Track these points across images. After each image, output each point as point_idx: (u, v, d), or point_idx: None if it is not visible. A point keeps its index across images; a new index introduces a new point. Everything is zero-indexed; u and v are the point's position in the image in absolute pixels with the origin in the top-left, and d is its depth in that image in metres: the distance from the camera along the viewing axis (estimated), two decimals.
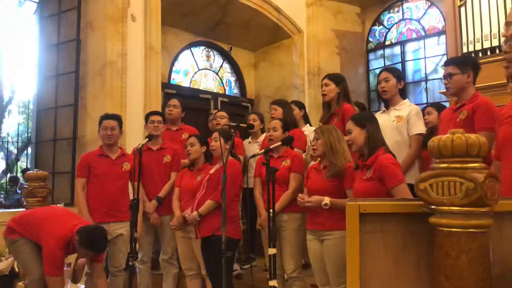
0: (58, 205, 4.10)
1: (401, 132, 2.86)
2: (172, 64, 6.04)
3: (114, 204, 3.19)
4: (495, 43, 4.53)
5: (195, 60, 6.42)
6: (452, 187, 1.19)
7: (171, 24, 5.69)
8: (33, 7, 5.05)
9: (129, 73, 4.47)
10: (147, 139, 3.22)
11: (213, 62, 6.69)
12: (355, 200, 1.71)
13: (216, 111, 4.45)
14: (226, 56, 6.81)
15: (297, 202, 2.61)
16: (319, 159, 2.73)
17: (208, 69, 6.61)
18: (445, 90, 3.29)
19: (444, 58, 5.92)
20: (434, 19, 6.40)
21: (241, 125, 2.78)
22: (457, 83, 2.56)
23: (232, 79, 6.95)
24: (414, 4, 6.65)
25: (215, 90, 6.63)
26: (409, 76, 6.68)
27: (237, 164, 2.97)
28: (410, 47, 6.69)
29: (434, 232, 1.26)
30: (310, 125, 3.95)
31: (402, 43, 6.72)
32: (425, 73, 6.47)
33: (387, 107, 3.03)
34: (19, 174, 7.80)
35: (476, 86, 2.68)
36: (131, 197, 3.12)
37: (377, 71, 6.68)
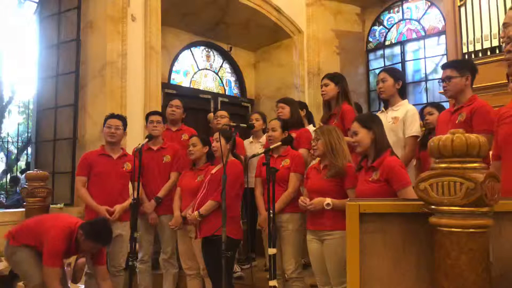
0: (58, 205, 4.11)
1: (396, 134, 2.86)
2: (172, 64, 6.04)
3: (114, 204, 3.19)
4: (495, 43, 4.53)
5: (195, 60, 6.42)
6: (452, 187, 1.19)
7: (171, 24, 5.69)
8: (33, 7, 5.05)
9: (129, 73, 4.47)
10: (147, 139, 3.23)
11: (213, 62, 6.69)
12: (355, 200, 1.71)
13: (215, 114, 4.41)
14: (226, 56, 6.81)
15: (299, 205, 2.61)
16: (318, 159, 2.73)
17: (208, 69, 6.61)
18: None
19: (444, 58, 5.93)
20: (434, 19, 6.40)
21: (241, 125, 2.78)
22: (456, 85, 2.58)
23: (232, 79, 6.95)
24: (414, 4, 6.65)
25: (215, 90, 6.63)
26: (409, 76, 6.68)
27: (238, 164, 2.97)
28: (410, 47, 6.69)
29: (434, 232, 1.26)
30: (314, 126, 3.95)
31: (402, 43, 6.72)
32: (425, 73, 6.47)
33: (386, 107, 3.04)
34: (19, 174, 7.80)
35: (476, 86, 2.70)
36: (131, 197, 3.13)
37: (377, 71, 6.68)
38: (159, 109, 4.68)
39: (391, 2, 6.86)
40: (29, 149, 6.86)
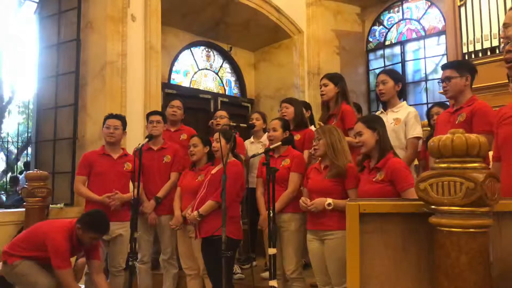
0: (58, 205, 4.11)
1: (398, 135, 2.86)
2: (172, 64, 6.04)
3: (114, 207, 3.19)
4: (495, 43, 4.53)
5: (195, 60, 6.42)
6: (452, 187, 1.19)
7: (171, 24, 5.69)
8: (33, 7, 5.04)
9: (129, 73, 4.47)
10: (147, 139, 3.23)
11: (213, 62, 6.69)
12: (355, 200, 1.71)
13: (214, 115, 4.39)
14: (226, 56, 6.81)
15: (300, 206, 2.61)
16: (319, 159, 2.73)
17: (208, 69, 6.61)
18: None
19: (444, 58, 5.93)
20: (434, 19, 6.40)
21: (241, 125, 2.78)
22: (456, 86, 2.59)
23: (232, 79, 6.95)
24: (414, 4, 6.65)
25: (215, 90, 6.63)
26: (409, 76, 6.68)
27: (238, 164, 2.96)
28: (410, 47, 6.69)
29: (434, 232, 1.26)
30: (315, 126, 3.95)
31: (402, 43, 6.72)
32: (425, 73, 6.47)
33: (385, 108, 3.04)
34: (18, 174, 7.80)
35: (476, 86, 2.71)
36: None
37: (377, 71, 6.68)
38: (159, 109, 4.68)
39: (391, 2, 6.86)
40: (29, 149, 6.85)
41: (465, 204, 1.18)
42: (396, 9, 6.87)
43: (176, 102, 3.90)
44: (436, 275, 1.26)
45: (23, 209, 3.65)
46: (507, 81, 2.37)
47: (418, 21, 6.59)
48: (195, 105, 5.83)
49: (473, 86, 2.67)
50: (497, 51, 4.47)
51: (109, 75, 4.31)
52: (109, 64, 4.32)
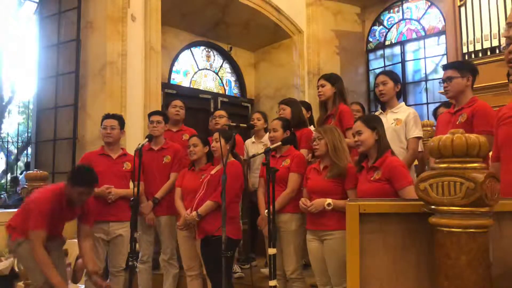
0: None
1: (399, 135, 2.87)
2: (172, 64, 6.04)
3: (114, 204, 3.19)
4: (495, 43, 4.53)
5: (195, 60, 6.42)
6: (452, 187, 1.19)
7: (171, 24, 5.69)
8: (33, 7, 5.05)
9: (129, 73, 4.47)
10: (147, 139, 3.23)
11: (213, 62, 6.69)
12: (355, 200, 1.71)
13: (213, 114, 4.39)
14: (226, 56, 6.81)
15: (300, 207, 2.61)
16: (319, 159, 2.74)
17: (208, 69, 6.61)
18: None
19: (444, 58, 5.93)
20: (434, 19, 6.40)
21: (241, 125, 2.78)
22: (457, 86, 2.59)
23: (232, 79, 6.95)
24: (414, 4, 6.65)
25: (215, 90, 6.63)
26: (409, 76, 6.68)
27: (237, 164, 2.96)
28: (410, 47, 6.69)
29: (434, 232, 1.26)
30: (314, 126, 3.95)
31: (402, 43, 6.72)
32: (425, 73, 6.47)
33: (384, 109, 3.05)
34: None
35: (476, 86, 2.71)
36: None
37: (377, 71, 6.68)
38: (159, 109, 4.68)
39: (391, 2, 6.86)
40: (29, 149, 6.86)
41: (465, 204, 1.18)
42: (396, 9, 6.87)
43: (179, 102, 3.91)
44: (436, 275, 1.26)
45: None
46: (507, 81, 2.37)
47: (418, 21, 6.59)
48: (195, 105, 5.83)
49: (473, 85, 2.67)
50: (497, 51, 4.47)
51: (109, 75, 4.31)
52: (109, 64, 4.32)
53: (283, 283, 2.93)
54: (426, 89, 6.45)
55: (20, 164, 10.05)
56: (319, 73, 6.26)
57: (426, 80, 6.45)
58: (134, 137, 4.22)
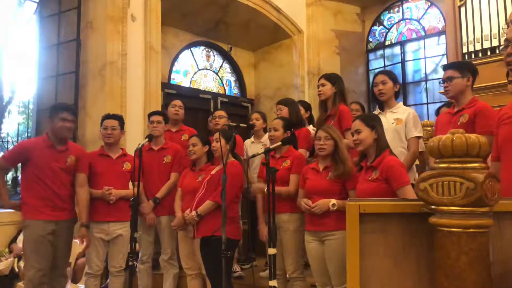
0: None
1: (400, 135, 2.87)
2: (172, 64, 6.04)
3: (114, 204, 3.19)
4: (495, 43, 4.53)
5: (195, 60, 6.42)
6: (452, 187, 1.19)
7: (171, 24, 5.69)
8: (33, 7, 5.05)
9: (129, 73, 4.47)
10: (147, 139, 3.23)
11: (213, 62, 6.69)
12: (355, 200, 1.71)
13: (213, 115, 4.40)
14: (226, 56, 6.81)
15: (303, 209, 2.59)
16: (316, 159, 2.73)
17: (208, 69, 6.61)
18: None
19: (444, 58, 5.93)
20: (434, 19, 6.40)
21: (241, 125, 2.77)
22: (457, 86, 2.60)
23: (232, 79, 6.95)
24: (414, 4, 6.65)
25: (215, 90, 6.63)
26: (409, 76, 6.68)
27: (237, 165, 2.96)
28: (410, 47, 6.69)
29: (434, 232, 1.26)
30: (313, 126, 3.95)
31: (402, 43, 6.73)
32: (425, 73, 6.47)
33: (382, 109, 3.04)
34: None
35: (476, 86, 2.71)
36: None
37: (377, 71, 6.68)
38: (159, 109, 4.67)
39: (391, 2, 6.86)
40: None
41: (465, 204, 1.17)
42: (396, 9, 6.87)
43: (178, 102, 3.92)
44: (436, 275, 1.26)
45: None
46: (506, 81, 2.37)
47: (418, 21, 6.59)
48: (195, 105, 5.83)
49: (473, 86, 2.68)
50: (497, 51, 4.47)
51: (109, 75, 4.31)
52: (109, 64, 4.32)
53: (283, 283, 2.93)
54: (426, 89, 6.45)
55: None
56: (319, 73, 6.26)
57: (426, 80, 6.45)
58: (134, 137, 4.22)
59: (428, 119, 5.65)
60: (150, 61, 4.68)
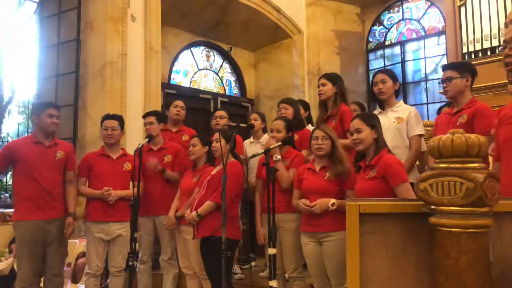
0: None
1: (401, 133, 2.87)
2: (172, 64, 6.05)
3: (114, 204, 3.19)
4: (495, 43, 4.54)
5: (195, 60, 6.42)
6: (452, 187, 1.19)
7: (171, 24, 5.69)
8: (33, 7, 5.05)
9: (129, 73, 4.47)
10: (147, 139, 3.23)
11: (213, 62, 6.69)
12: (355, 200, 1.71)
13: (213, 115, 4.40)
14: (226, 56, 6.81)
15: (301, 209, 2.57)
16: (312, 159, 2.73)
17: (208, 69, 6.61)
18: None
19: (444, 58, 5.93)
20: (434, 19, 6.41)
21: (241, 125, 2.77)
22: (456, 86, 2.61)
23: (232, 79, 6.95)
24: (414, 4, 6.65)
25: (215, 90, 6.63)
26: (409, 76, 6.68)
27: (238, 165, 2.96)
28: (410, 47, 6.69)
29: (434, 232, 1.26)
30: (312, 125, 3.94)
31: (402, 43, 6.73)
32: (425, 73, 6.48)
33: (383, 108, 3.04)
34: None
35: (476, 86, 2.72)
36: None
37: (377, 70, 6.68)
38: (159, 109, 4.68)
39: (391, 2, 6.86)
40: None
41: (465, 204, 1.17)
42: (396, 9, 6.87)
43: (180, 103, 3.91)
44: (436, 275, 1.26)
45: None
46: (506, 81, 2.37)
47: (418, 21, 6.59)
48: (195, 105, 5.83)
49: (473, 86, 2.68)
50: (497, 51, 4.47)
51: (109, 75, 4.31)
52: (109, 64, 4.32)
53: (282, 282, 2.93)
54: (426, 89, 6.45)
55: None
56: (319, 73, 6.27)
57: (426, 80, 6.45)
58: (134, 137, 4.22)
59: (428, 119, 5.65)
60: (150, 61, 4.68)
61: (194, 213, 2.88)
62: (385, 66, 6.82)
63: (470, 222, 1.19)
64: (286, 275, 2.90)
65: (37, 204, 2.94)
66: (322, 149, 2.61)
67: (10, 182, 7.90)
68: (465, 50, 4.75)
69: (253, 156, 2.79)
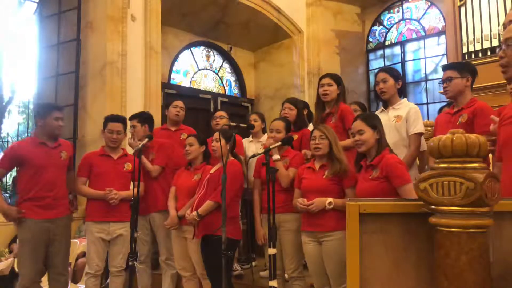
0: None
1: (400, 132, 2.86)
2: (172, 64, 6.05)
3: (114, 204, 3.18)
4: (495, 43, 4.54)
5: (195, 60, 6.42)
6: (452, 187, 1.19)
7: (171, 24, 5.69)
8: (33, 7, 5.05)
9: (129, 73, 4.47)
10: (146, 139, 3.22)
11: (213, 62, 6.69)
12: (355, 200, 1.71)
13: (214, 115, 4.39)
14: (226, 56, 6.81)
15: (298, 208, 2.57)
16: (312, 158, 2.73)
17: (208, 69, 6.61)
18: None
19: (444, 58, 5.93)
20: (434, 19, 6.41)
21: (241, 125, 2.77)
22: (456, 86, 2.61)
23: (232, 79, 6.95)
24: (414, 4, 6.65)
25: (215, 90, 6.63)
26: (409, 76, 6.69)
27: (237, 164, 2.96)
28: (410, 47, 6.69)
29: (434, 232, 1.26)
30: (312, 125, 3.94)
31: (402, 43, 6.73)
32: (425, 73, 6.48)
33: (386, 106, 3.03)
34: None
35: (476, 86, 2.72)
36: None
37: (379, 69, 6.68)
38: (159, 109, 4.68)
39: (391, 2, 6.86)
40: None
41: (465, 204, 1.17)
42: (396, 9, 6.87)
43: (180, 103, 3.91)
44: (436, 275, 1.26)
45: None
46: (506, 81, 2.37)
47: (418, 21, 6.59)
48: (195, 105, 5.83)
49: (473, 86, 2.68)
50: (497, 51, 4.46)
51: (109, 75, 4.31)
52: (109, 64, 4.32)
53: (282, 282, 2.93)
54: (426, 89, 6.45)
55: None
56: (319, 73, 6.27)
57: (426, 80, 6.46)
58: None
59: (428, 119, 5.65)
60: (150, 61, 4.68)
61: (194, 213, 2.88)
62: (384, 66, 6.82)
63: (470, 222, 1.19)
64: (286, 275, 2.90)
65: (43, 204, 2.94)
66: (319, 148, 2.62)
67: (10, 183, 7.91)
68: (465, 50, 4.75)
69: (253, 156, 2.79)
